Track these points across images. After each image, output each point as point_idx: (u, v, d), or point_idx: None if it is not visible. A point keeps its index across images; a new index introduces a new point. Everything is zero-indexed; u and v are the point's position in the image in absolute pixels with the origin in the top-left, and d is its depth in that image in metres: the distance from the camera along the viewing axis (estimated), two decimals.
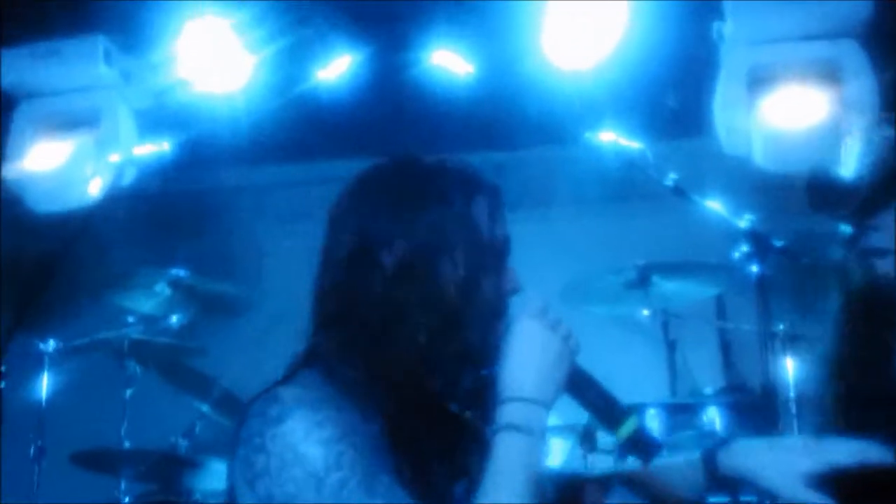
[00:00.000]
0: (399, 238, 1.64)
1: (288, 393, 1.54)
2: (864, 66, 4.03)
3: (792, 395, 3.44)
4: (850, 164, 2.07)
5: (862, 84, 4.00)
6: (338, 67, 4.31)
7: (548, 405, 1.61)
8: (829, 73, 4.05)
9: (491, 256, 1.72)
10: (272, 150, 4.86)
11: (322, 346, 1.66)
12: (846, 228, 2.05)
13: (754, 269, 3.08)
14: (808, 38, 4.06)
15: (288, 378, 1.61)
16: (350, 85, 4.36)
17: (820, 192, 2.08)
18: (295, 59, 4.31)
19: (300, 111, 4.49)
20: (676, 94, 4.59)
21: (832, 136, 4.04)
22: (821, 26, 4.04)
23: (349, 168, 5.67)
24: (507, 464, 1.54)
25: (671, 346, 4.56)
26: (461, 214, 1.68)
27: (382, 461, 1.49)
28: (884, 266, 1.98)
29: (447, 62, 4.34)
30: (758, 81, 4.11)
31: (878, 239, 1.99)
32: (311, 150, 5.05)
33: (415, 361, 1.61)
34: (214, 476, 3.55)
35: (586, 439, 3.50)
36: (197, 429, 3.61)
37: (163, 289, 3.87)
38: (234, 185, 5.24)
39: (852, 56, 4.04)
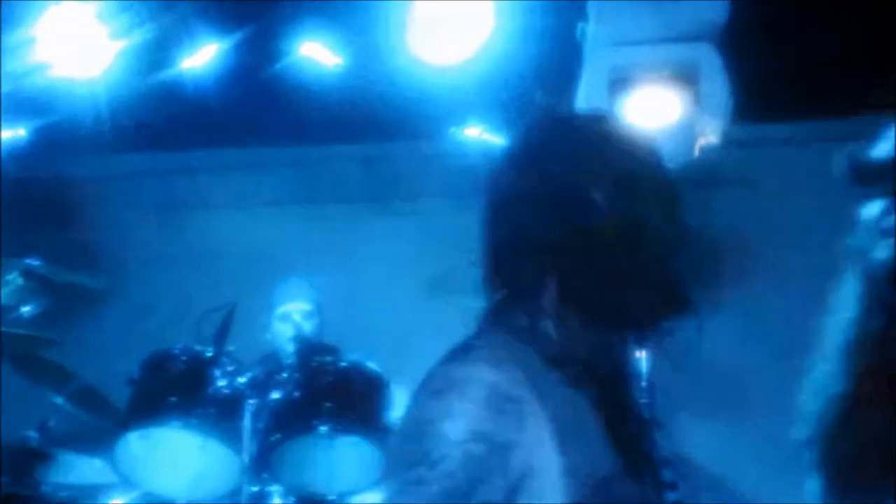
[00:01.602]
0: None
1: (460, 368, 1.48)
2: (718, 68, 4.17)
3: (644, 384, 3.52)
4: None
5: (716, 85, 4.15)
6: (204, 56, 4.26)
7: None
8: (686, 75, 4.18)
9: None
10: (137, 139, 4.78)
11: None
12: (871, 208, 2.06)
13: None
14: (666, 40, 4.17)
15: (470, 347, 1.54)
16: (217, 74, 4.31)
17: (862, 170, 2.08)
18: (160, 46, 4.23)
19: (165, 100, 4.41)
20: (542, 91, 4.67)
21: (688, 134, 4.19)
22: (678, 30, 4.16)
23: (215, 158, 5.64)
24: None
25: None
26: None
27: (489, 492, 1.42)
28: None
29: (316, 54, 4.34)
30: (618, 81, 4.22)
31: None
32: (177, 140, 4.98)
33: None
34: (66, 469, 3.51)
35: None
36: (51, 421, 3.53)
37: (15, 278, 3.77)
38: (98, 173, 5.13)
39: (707, 58, 4.17)
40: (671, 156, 4.36)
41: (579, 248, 1.53)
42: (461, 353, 1.52)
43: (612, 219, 1.52)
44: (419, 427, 1.44)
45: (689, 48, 4.17)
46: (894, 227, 2.00)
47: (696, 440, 3.90)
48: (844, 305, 2.08)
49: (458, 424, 1.41)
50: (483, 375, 1.46)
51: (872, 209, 2.02)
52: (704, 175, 4.61)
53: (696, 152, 4.25)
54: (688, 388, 3.98)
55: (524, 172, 1.59)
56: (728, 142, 4.21)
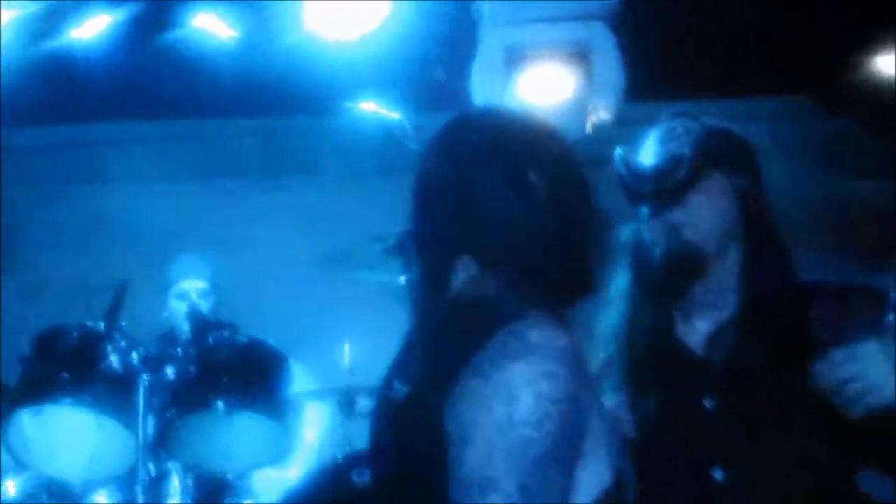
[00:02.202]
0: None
1: (534, 334, 1.51)
2: (611, 47, 4.25)
3: None
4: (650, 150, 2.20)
5: (608, 64, 4.23)
6: (96, 26, 4.17)
7: None
8: (579, 53, 4.26)
9: None
10: (29, 112, 4.66)
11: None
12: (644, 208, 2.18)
13: None
14: (560, 19, 4.24)
15: (524, 317, 1.56)
16: (109, 45, 4.23)
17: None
18: (49, 16, 4.13)
19: (57, 72, 4.31)
20: (438, 68, 4.70)
21: (580, 111, 4.27)
22: (572, 8, 4.23)
23: (107, 131, 5.53)
24: None
25: None
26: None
27: (572, 453, 1.49)
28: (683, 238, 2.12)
29: (210, 26, 4.28)
30: (513, 60, 4.27)
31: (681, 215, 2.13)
32: (70, 113, 4.88)
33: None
34: None
35: (346, 403, 3.57)
36: None
37: None
38: None
39: (601, 38, 4.25)
40: (564, 132, 4.47)
41: (518, 227, 1.61)
42: (519, 320, 1.55)
43: (547, 198, 1.61)
44: (511, 390, 1.47)
45: (582, 26, 4.24)
46: (659, 233, 2.15)
47: None
48: (615, 299, 2.23)
49: (555, 385, 1.46)
50: (562, 340, 1.53)
51: (642, 211, 2.17)
52: (595, 153, 4.70)
53: (588, 129, 4.34)
54: None
55: (466, 158, 1.66)
56: (619, 120, 4.30)
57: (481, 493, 1.43)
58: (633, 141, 2.24)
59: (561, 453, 1.46)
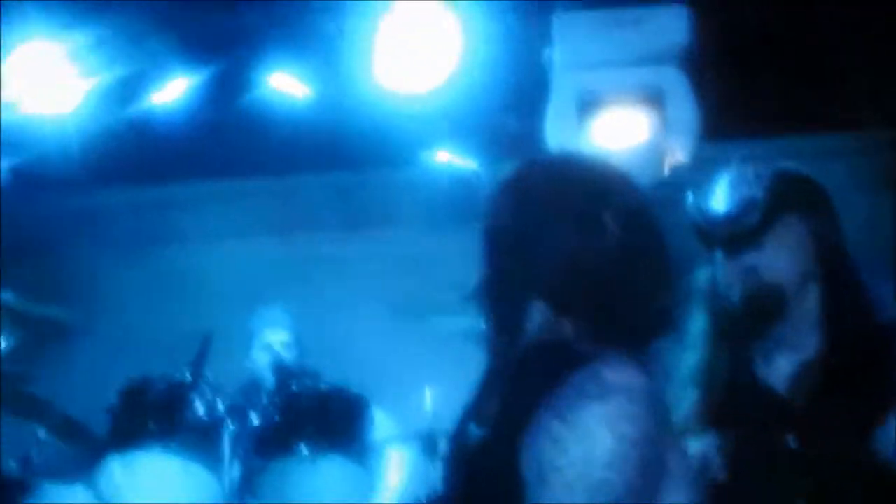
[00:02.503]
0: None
1: (611, 374, 1.49)
2: (684, 90, 4.25)
3: None
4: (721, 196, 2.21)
5: (682, 105, 4.22)
6: (174, 90, 4.29)
7: None
8: (652, 97, 4.26)
9: None
10: (109, 175, 4.79)
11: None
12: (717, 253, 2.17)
13: None
14: (631, 63, 4.25)
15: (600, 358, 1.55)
16: (187, 108, 4.34)
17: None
18: (130, 82, 4.26)
19: (137, 135, 4.43)
20: (511, 117, 4.73)
21: (655, 156, 4.25)
22: (643, 52, 4.24)
23: (188, 191, 5.64)
24: None
25: None
26: None
27: (649, 495, 1.47)
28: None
29: (284, 85, 4.38)
30: (586, 104, 4.28)
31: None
32: (149, 174, 4.99)
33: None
34: (48, 498, 3.47)
35: (428, 447, 3.55)
36: (32, 452, 3.50)
37: None
38: (70, 209, 5.13)
39: (673, 81, 4.25)
40: (640, 176, 4.45)
41: (591, 270, 1.59)
42: (594, 361, 1.53)
43: (621, 241, 1.59)
44: (588, 431, 1.44)
45: (654, 71, 4.25)
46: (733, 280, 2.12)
47: None
48: (694, 341, 2.21)
49: (633, 426, 1.44)
50: (639, 380, 1.50)
51: (717, 255, 2.16)
52: (672, 196, 4.67)
53: (665, 172, 4.32)
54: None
55: (537, 201, 1.65)
56: (696, 162, 4.27)
57: None
58: (708, 183, 2.25)
59: (639, 495, 1.44)
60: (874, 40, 4.29)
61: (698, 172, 4.28)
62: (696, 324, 2.23)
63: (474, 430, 1.64)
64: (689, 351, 2.22)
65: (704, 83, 4.26)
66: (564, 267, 1.58)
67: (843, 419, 2.02)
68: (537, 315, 1.60)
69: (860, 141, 4.93)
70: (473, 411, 1.67)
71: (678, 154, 4.28)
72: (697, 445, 2.11)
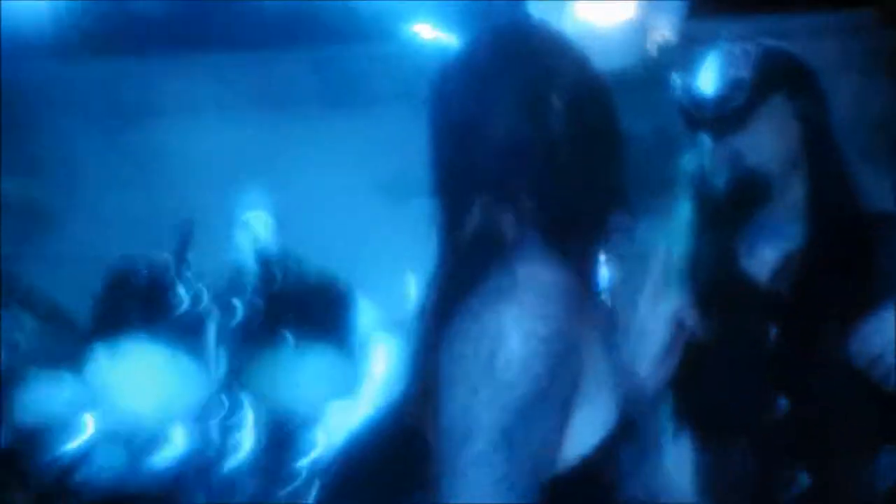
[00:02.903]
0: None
1: (524, 270, 1.42)
2: None
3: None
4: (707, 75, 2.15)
5: None
6: None
7: None
8: None
9: None
10: (80, 46, 4.66)
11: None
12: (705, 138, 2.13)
13: None
14: None
15: (521, 253, 1.46)
16: None
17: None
18: None
19: (109, 4, 4.30)
20: None
21: (640, 32, 4.18)
22: None
23: (163, 64, 5.48)
24: None
25: None
26: None
27: (564, 395, 1.39)
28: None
29: None
30: None
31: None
32: (121, 46, 4.86)
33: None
34: (35, 385, 3.51)
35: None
36: (19, 338, 3.52)
37: None
38: (42, 81, 5.01)
39: None
40: (624, 52, 4.39)
41: (543, 154, 1.49)
42: (506, 255, 1.46)
43: (569, 124, 1.49)
44: (496, 329, 1.38)
45: None
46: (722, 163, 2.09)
47: None
48: (680, 227, 2.18)
49: (543, 323, 1.37)
50: (550, 274, 1.43)
51: (703, 138, 2.11)
52: (658, 74, 4.61)
53: (650, 50, 4.25)
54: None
55: (481, 80, 1.52)
56: (683, 40, 4.20)
57: (463, 441, 1.35)
58: (694, 62, 2.19)
59: (550, 395, 1.36)
60: None
61: (684, 51, 4.25)
62: (681, 211, 2.21)
63: (417, 330, 1.57)
64: (674, 238, 2.22)
65: None
66: (505, 154, 1.48)
67: (826, 311, 2.02)
68: (477, 209, 1.51)
69: (850, 20, 4.86)
70: (419, 310, 1.59)
71: (664, 31, 4.21)
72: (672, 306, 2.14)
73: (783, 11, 4.42)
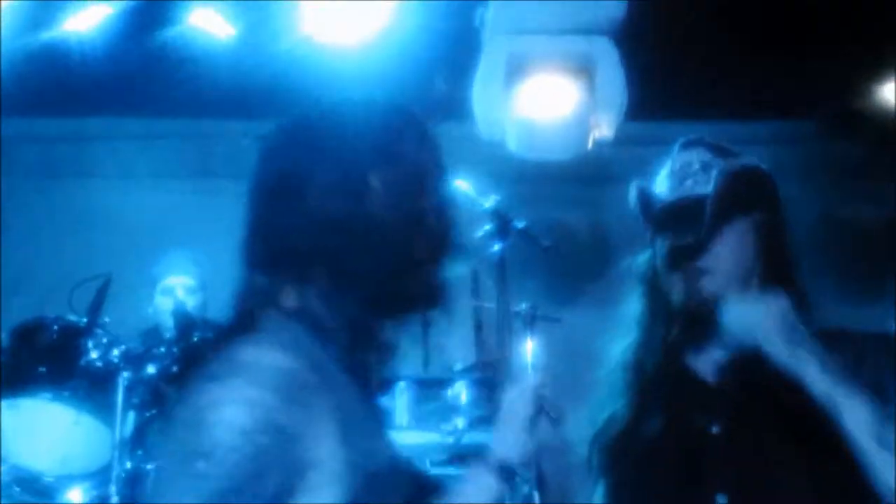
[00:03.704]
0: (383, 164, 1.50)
1: (245, 353, 1.34)
2: (614, 62, 4.20)
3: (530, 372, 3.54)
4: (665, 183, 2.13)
5: (611, 79, 4.18)
6: (90, 19, 4.11)
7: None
8: (582, 67, 4.21)
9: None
10: (18, 103, 4.59)
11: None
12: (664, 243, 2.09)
13: (496, 248, 3.16)
14: (564, 31, 4.19)
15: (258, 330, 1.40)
16: (103, 38, 4.17)
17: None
18: (43, 6, 4.07)
19: (47, 63, 4.24)
20: (440, 77, 4.65)
21: (581, 127, 4.22)
22: (576, 21, 4.18)
23: (100, 126, 5.46)
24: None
25: (426, 323, 4.62)
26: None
27: (274, 490, 1.30)
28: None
29: (207, 23, 4.23)
30: (515, 69, 4.22)
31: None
32: (61, 106, 4.81)
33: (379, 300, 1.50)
34: None
35: None
36: None
37: None
38: None
39: (604, 52, 4.20)
40: (565, 148, 4.42)
41: (351, 233, 1.46)
42: (241, 334, 1.39)
43: (387, 207, 1.47)
44: (200, 415, 1.30)
45: (586, 40, 4.19)
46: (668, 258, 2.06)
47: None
48: (629, 320, 2.17)
49: (247, 413, 1.29)
50: (274, 359, 1.35)
51: (658, 245, 2.10)
52: (596, 170, 4.67)
53: (589, 146, 4.29)
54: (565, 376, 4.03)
55: (301, 149, 1.51)
56: (622, 139, 4.25)
57: None
58: (635, 161, 2.18)
59: (254, 492, 1.27)
60: (809, 27, 4.30)
61: (623, 150, 4.30)
62: (631, 307, 2.18)
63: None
64: (622, 333, 2.19)
65: (636, 58, 4.23)
66: (307, 224, 1.45)
67: (769, 412, 1.99)
68: (261, 276, 1.49)
69: (785, 129, 4.97)
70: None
71: (603, 128, 4.25)
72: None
73: (725, 118, 4.50)
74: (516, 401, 1.80)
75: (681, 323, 2.10)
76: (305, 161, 1.49)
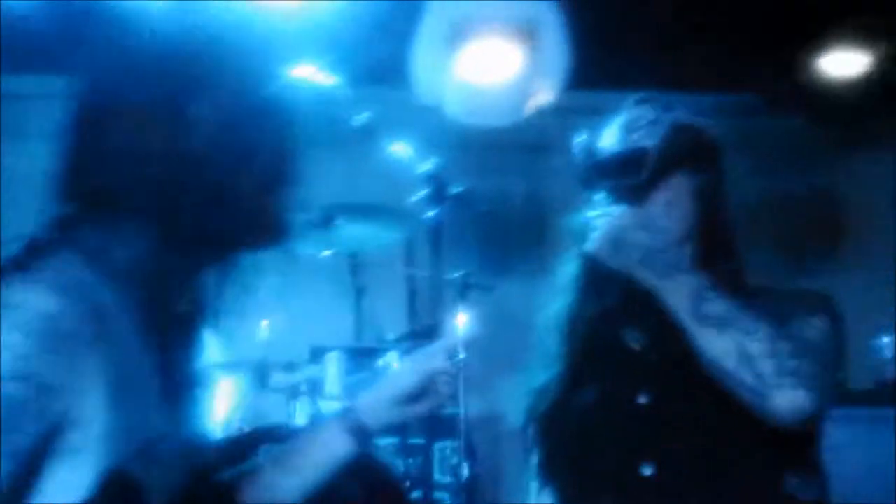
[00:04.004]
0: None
1: (14, 293, 1.23)
2: (557, 28, 4.15)
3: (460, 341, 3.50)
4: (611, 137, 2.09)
5: (553, 45, 4.13)
6: None
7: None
8: (525, 32, 4.15)
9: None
10: None
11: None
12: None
13: (431, 214, 3.10)
14: None
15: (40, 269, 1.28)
16: None
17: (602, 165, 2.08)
18: None
19: None
20: (383, 41, 4.57)
21: (521, 92, 4.16)
22: None
23: (36, 85, 5.23)
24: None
25: (359, 292, 4.59)
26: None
27: (25, 443, 1.21)
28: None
29: None
30: (456, 34, 4.16)
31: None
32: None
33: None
34: None
35: (259, 377, 3.43)
36: None
37: None
38: None
39: (547, 16, 4.15)
40: (504, 113, 4.37)
41: (171, 164, 1.37)
42: (16, 271, 1.29)
43: (208, 139, 1.38)
44: None
45: (530, 4, 4.14)
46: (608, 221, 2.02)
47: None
48: (562, 287, 2.14)
49: (2, 359, 1.19)
50: (42, 304, 1.24)
51: (596, 199, 2.06)
52: (535, 138, 4.62)
53: (528, 111, 4.23)
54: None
55: (115, 78, 1.42)
56: (563, 107, 4.20)
57: None
58: (575, 130, 2.13)
59: (5, 446, 1.19)
60: None
61: (563, 118, 4.25)
62: (567, 267, 2.15)
63: None
64: (557, 294, 2.16)
65: (579, 25, 4.18)
66: (145, 156, 1.36)
67: (696, 380, 1.95)
68: (59, 215, 1.39)
69: (731, 102, 4.96)
70: None
71: (544, 94, 4.20)
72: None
73: (668, 89, 4.46)
74: (406, 370, 1.77)
75: (612, 288, 2.06)
76: (116, 90, 1.39)
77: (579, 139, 2.11)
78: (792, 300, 2.04)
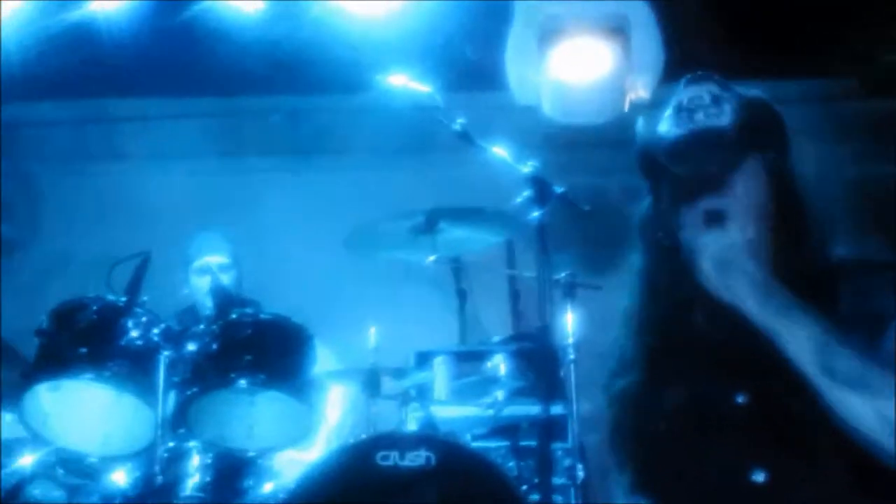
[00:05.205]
0: None
1: None
2: (650, 23, 4.12)
3: (570, 342, 3.49)
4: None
5: (647, 41, 4.10)
6: None
7: None
8: (617, 29, 4.12)
9: None
10: (45, 86, 4.57)
11: None
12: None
13: (535, 214, 3.10)
14: None
15: None
16: (130, 17, 4.13)
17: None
18: None
19: (75, 44, 4.21)
20: (472, 45, 4.58)
21: (616, 89, 4.14)
22: None
23: (132, 107, 5.42)
24: None
25: (462, 295, 4.61)
26: None
27: None
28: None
29: None
30: (548, 34, 4.14)
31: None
32: (88, 87, 4.79)
33: None
34: None
35: (370, 384, 3.46)
36: None
37: None
38: (8, 121, 4.92)
39: (639, 13, 4.12)
40: (600, 111, 4.35)
41: None
42: None
43: None
44: None
45: (621, 2, 4.11)
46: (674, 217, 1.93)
47: None
48: (633, 287, 2.02)
49: None
50: None
51: (668, 181, 1.97)
52: (630, 134, 4.58)
53: (625, 108, 4.21)
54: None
55: None
56: (659, 102, 4.15)
57: None
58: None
59: None
60: None
61: (660, 113, 4.20)
62: (634, 263, 2.01)
63: None
64: (626, 292, 2.03)
65: (673, 19, 4.14)
66: None
67: (793, 374, 1.76)
68: None
69: (821, 88, 4.86)
70: None
71: (640, 91, 4.17)
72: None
73: (762, 77, 4.39)
74: None
75: (689, 276, 1.88)
76: None
77: (642, 125, 2.03)
78: (881, 272, 1.95)
